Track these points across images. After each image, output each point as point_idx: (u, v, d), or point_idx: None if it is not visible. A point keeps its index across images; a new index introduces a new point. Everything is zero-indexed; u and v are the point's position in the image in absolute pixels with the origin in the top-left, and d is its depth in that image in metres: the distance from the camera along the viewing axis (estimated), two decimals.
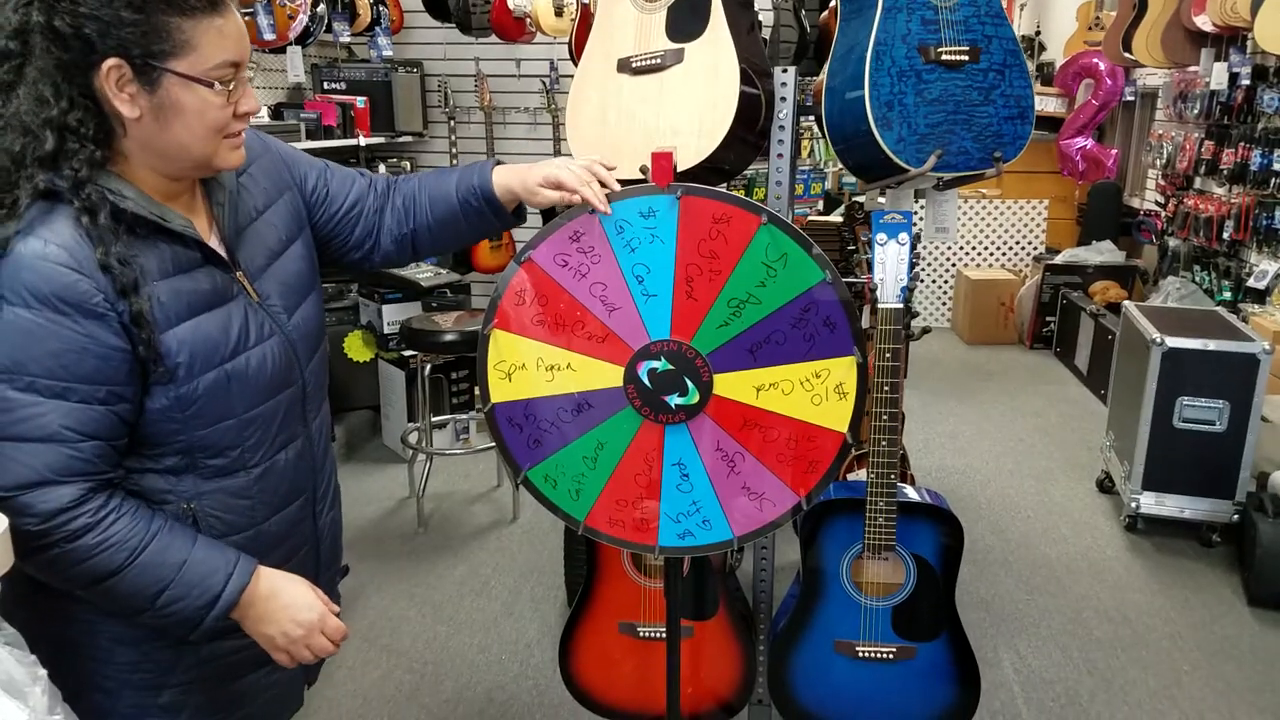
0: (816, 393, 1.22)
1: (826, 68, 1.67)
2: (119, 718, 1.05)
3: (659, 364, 1.23)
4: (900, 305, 1.54)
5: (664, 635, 1.57)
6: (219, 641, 1.06)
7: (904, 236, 1.53)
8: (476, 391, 3.59)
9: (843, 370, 1.21)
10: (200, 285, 0.98)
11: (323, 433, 1.18)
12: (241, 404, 1.01)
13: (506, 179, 1.20)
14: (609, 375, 1.25)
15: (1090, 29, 5.19)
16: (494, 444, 1.32)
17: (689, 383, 1.24)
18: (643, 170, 1.35)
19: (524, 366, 1.27)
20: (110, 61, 0.87)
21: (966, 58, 1.55)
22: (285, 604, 1.01)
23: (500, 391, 1.28)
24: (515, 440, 1.30)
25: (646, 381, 1.24)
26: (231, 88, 0.93)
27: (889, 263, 1.53)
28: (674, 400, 1.24)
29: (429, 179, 1.25)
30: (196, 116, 0.91)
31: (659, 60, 1.50)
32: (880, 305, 1.55)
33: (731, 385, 1.24)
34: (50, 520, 0.89)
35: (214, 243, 1.02)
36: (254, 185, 1.09)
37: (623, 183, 1.24)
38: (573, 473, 1.30)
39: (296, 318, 1.09)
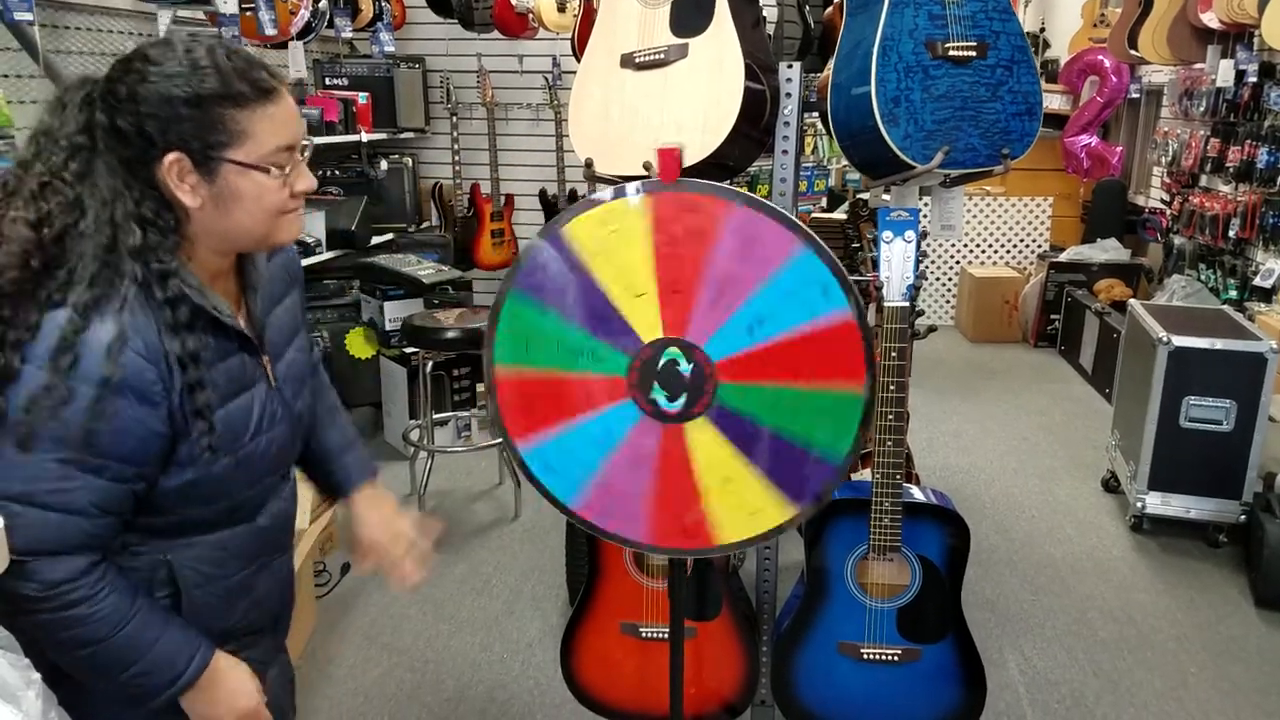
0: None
1: (832, 63, 1.65)
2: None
3: (668, 363, 1.22)
4: (906, 304, 1.53)
5: (666, 636, 1.55)
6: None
7: (910, 234, 1.51)
8: (479, 388, 3.58)
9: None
10: (234, 372, 1.00)
11: (293, 483, 1.19)
12: (241, 488, 1.03)
13: (359, 508, 1.21)
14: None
15: (1095, 25, 5.16)
16: (492, 424, 1.31)
17: (694, 386, 1.22)
18: (646, 167, 1.33)
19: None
20: (171, 155, 0.90)
21: (974, 53, 1.53)
22: (229, 690, 1.04)
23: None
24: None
25: (653, 378, 1.22)
26: (288, 171, 0.95)
27: (894, 260, 1.52)
28: (677, 402, 1.23)
29: (326, 418, 1.26)
30: (254, 201, 0.94)
31: (663, 55, 1.48)
32: (885, 303, 1.53)
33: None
34: (53, 589, 0.91)
35: (243, 324, 1.04)
36: (279, 273, 1.12)
37: (625, 179, 1.23)
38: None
39: (300, 404, 1.12)
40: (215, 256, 0.98)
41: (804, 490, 1.23)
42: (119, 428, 0.89)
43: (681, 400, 1.23)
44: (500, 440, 1.33)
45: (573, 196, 4.43)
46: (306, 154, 0.99)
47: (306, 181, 0.98)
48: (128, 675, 0.97)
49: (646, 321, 1.22)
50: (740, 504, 1.24)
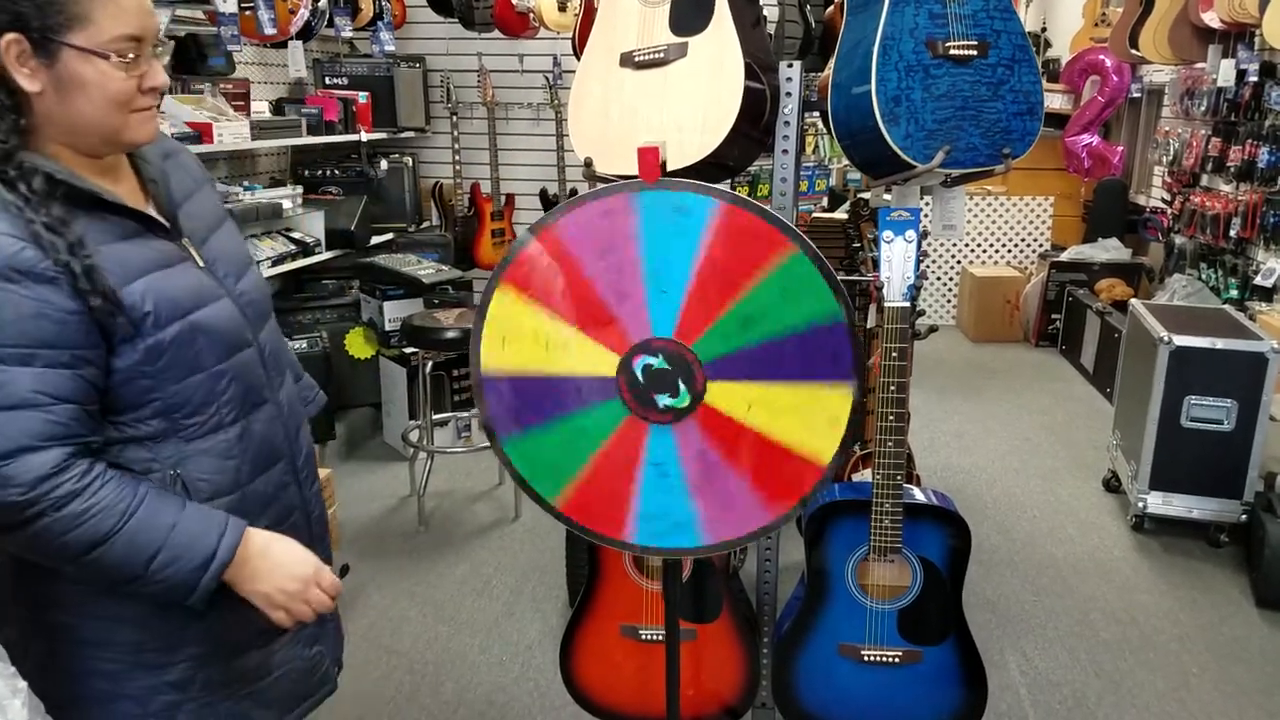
0: (808, 419, 1.20)
1: (832, 62, 1.65)
2: (129, 701, 1.04)
3: (656, 361, 1.21)
4: (907, 304, 1.52)
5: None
6: (220, 613, 1.05)
7: (911, 234, 1.50)
8: None
9: (838, 401, 1.19)
10: (146, 250, 0.99)
11: (293, 406, 1.19)
12: (210, 357, 1.02)
13: (245, 549, 1.02)
14: (604, 362, 1.22)
15: (1096, 25, 5.15)
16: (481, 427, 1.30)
17: (682, 386, 1.21)
18: None
19: (520, 335, 1.24)
20: (8, 36, 0.88)
21: (975, 53, 1.52)
22: (278, 561, 1.02)
23: (493, 358, 1.25)
24: (497, 407, 1.27)
25: (640, 376, 1.21)
26: (131, 60, 0.94)
27: (895, 260, 1.51)
28: (664, 400, 1.22)
29: None
30: (97, 89, 0.93)
31: (662, 54, 1.48)
32: (886, 304, 1.53)
33: (725, 395, 1.21)
34: (35, 489, 0.89)
35: (154, 213, 1.04)
36: (179, 173, 1.11)
37: (625, 178, 1.22)
38: (550, 454, 1.27)
39: (243, 285, 1.11)
40: (73, 155, 0.96)
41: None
42: (26, 313, 0.88)
43: (670, 399, 1.22)
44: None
45: (573, 196, 4.43)
46: (163, 52, 0.98)
47: (158, 78, 0.97)
48: (154, 568, 0.94)
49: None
50: (804, 418, 1.21)
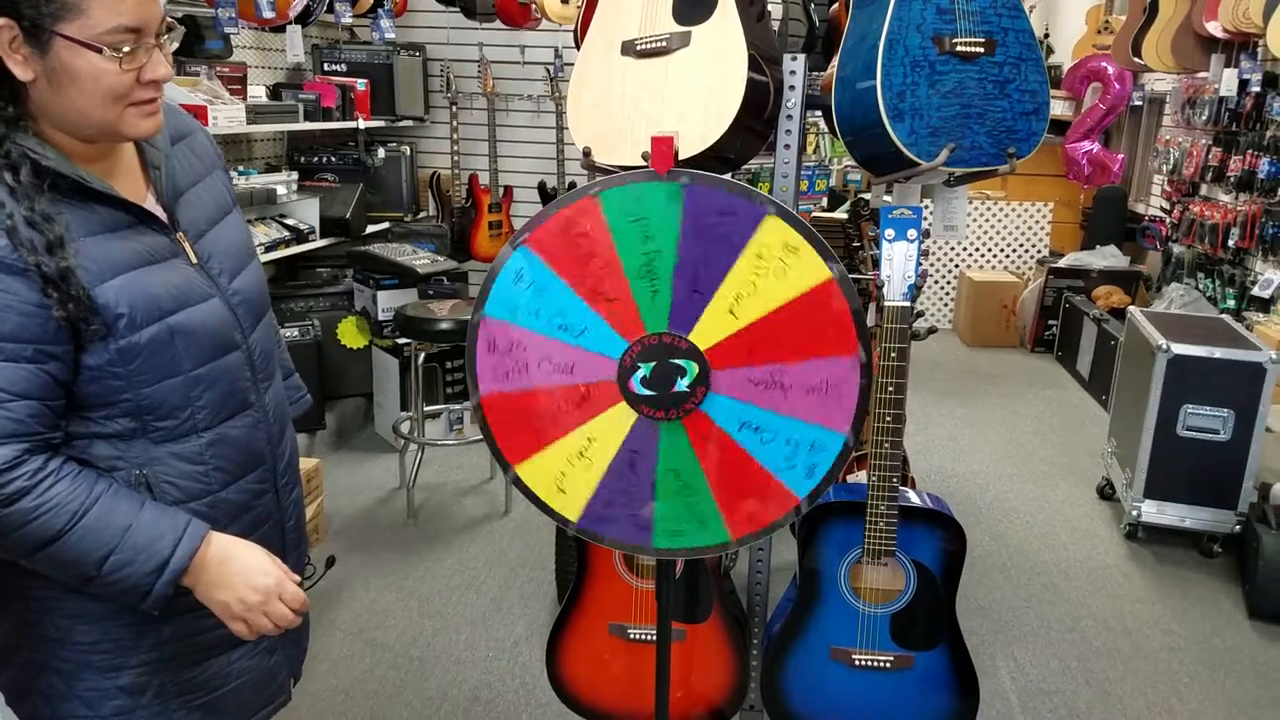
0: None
1: (837, 57, 1.62)
2: (76, 701, 1.01)
3: (669, 357, 1.18)
4: (907, 304, 1.50)
5: (655, 638, 1.52)
6: (182, 619, 1.02)
7: (912, 233, 1.48)
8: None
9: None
10: (132, 245, 0.95)
11: (279, 411, 1.15)
12: (187, 361, 0.98)
13: (204, 555, 0.97)
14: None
15: (1099, 32, 5.15)
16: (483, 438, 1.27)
17: (684, 370, 1.19)
18: (645, 157, 1.30)
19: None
20: (0, 21, 0.85)
21: (982, 50, 1.50)
22: (239, 569, 0.98)
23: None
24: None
25: (639, 384, 1.19)
26: (127, 52, 0.89)
27: (896, 259, 1.49)
28: (654, 397, 1.19)
29: None
30: (90, 82, 0.88)
31: (664, 43, 1.45)
32: (886, 303, 1.50)
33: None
34: None
35: (150, 205, 1.00)
36: (189, 156, 1.07)
37: (625, 169, 1.19)
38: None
39: (238, 283, 1.07)
40: (71, 141, 0.93)
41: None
42: None
43: (675, 396, 1.20)
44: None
45: (572, 189, 4.40)
46: (169, 41, 0.93)
47: (159, 70, 0.92)
48: (107, 569, 0.91)
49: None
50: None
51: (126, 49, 0.89)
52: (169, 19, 0.94)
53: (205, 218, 1.06)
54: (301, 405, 1.29)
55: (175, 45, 0.95)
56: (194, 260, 1.02)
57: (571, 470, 1.24)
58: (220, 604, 0.98)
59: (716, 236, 1.16)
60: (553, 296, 1.20)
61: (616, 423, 1.22)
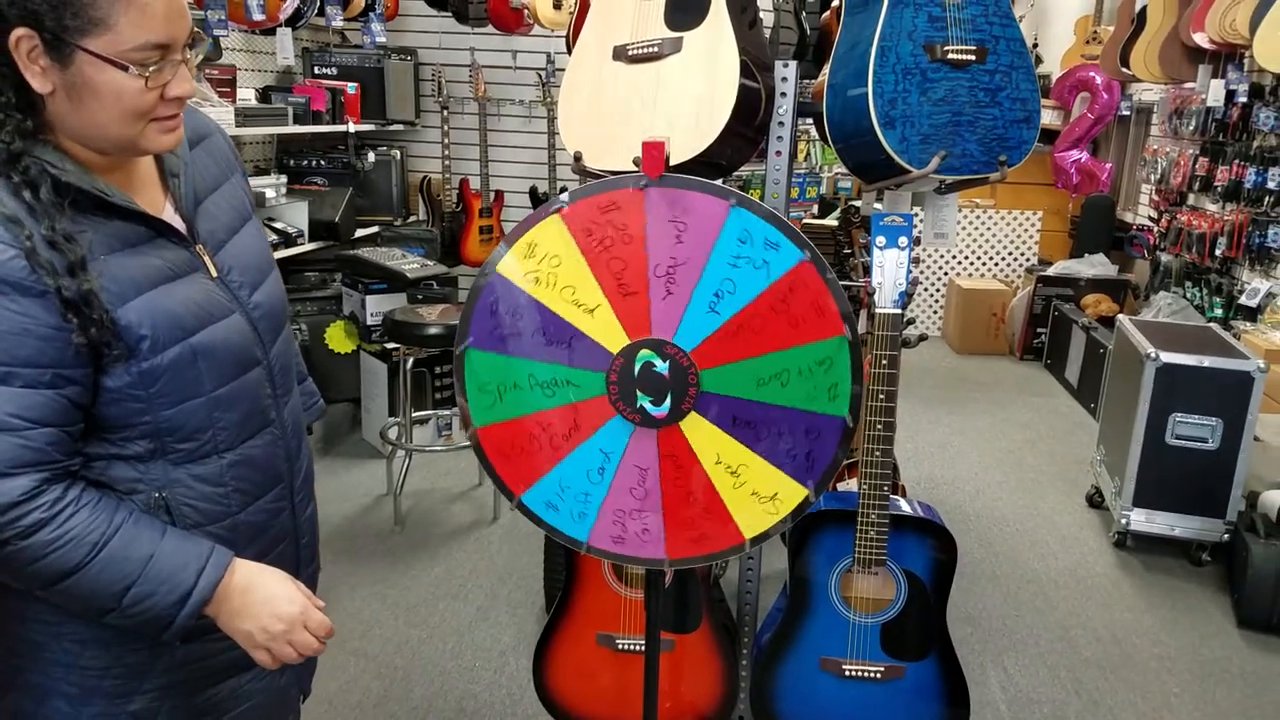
0: (758, 493, 1.18)
1: (829, 64, 1.62)
2: None
3: (659, 364, 1.17)
4: (898, 311, 1.49)
5: (643, 648, 1.50)
6: (196, 643, 0.99)
7: (904, 240, 1.47)
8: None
9: (790, 492, 1.18)
10: (152, 260, 0.92)
11: (296, 422, 1.12)
12: (209, 381, 0.95)
13: (228, 584, 0.95)
14: (613, 338, 1.18)
15: (1088, 42, 5.18)
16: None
17: (669, 399, 1.17)
18: (636, 163, 1.29)
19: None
20: (19, 31, 0.81)
21: (973, 58, 1.50)
22: (264, 598, 0.95)
23: (515, 267, 1.19)
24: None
25: (636, 370, 1.17)
26: (153, 70, 0.85)
27: (888, 267, 1.48)
28: (644, 401, 1.18)
29: None
30: (112, 99, 0.85)
31: (656, 48, 1.44)
32: (877, 310, 1.50)
33: (699, 432, 1.18)
34: (1, 516, 0.83)
35: (169, 216, 0.97)
36: (206, 161, 1.04)
37: (614, 174, 1.18)
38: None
39: (258, 296, 1.03)
40: (88, 152, 0.89)
41: (814, 462, 1.18)
42: (8, 329, 0.82)
43: (668, 400, 1.18)
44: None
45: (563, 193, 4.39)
46: (195, 54, 0.89)
47: (183, 86, 0.88)
48: (128, 601, 0.88)
49: (609, 332, 1.17)
50: (756, 492, 1.19)
51: (152, 67, 0.85)
52: (195, 30, 0.90)
53: (225, 227, 1.02)
54: (315, 411, 1.26)
55: (200, 57, 0.92)
56: (214, 274, 0.98)
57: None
58: (244, 633, 0.95)
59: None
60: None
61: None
